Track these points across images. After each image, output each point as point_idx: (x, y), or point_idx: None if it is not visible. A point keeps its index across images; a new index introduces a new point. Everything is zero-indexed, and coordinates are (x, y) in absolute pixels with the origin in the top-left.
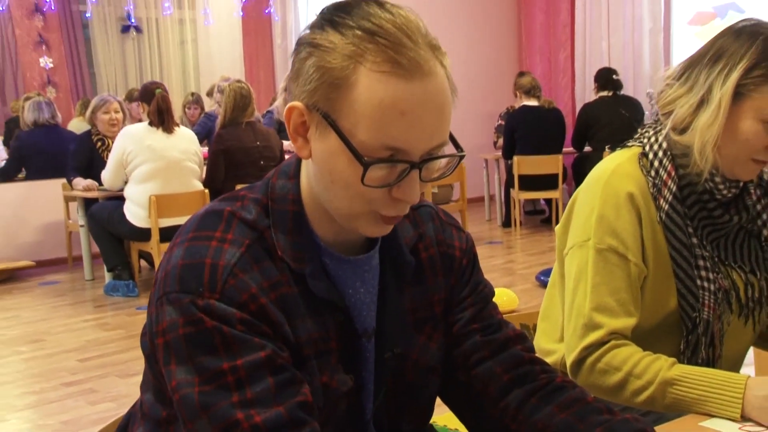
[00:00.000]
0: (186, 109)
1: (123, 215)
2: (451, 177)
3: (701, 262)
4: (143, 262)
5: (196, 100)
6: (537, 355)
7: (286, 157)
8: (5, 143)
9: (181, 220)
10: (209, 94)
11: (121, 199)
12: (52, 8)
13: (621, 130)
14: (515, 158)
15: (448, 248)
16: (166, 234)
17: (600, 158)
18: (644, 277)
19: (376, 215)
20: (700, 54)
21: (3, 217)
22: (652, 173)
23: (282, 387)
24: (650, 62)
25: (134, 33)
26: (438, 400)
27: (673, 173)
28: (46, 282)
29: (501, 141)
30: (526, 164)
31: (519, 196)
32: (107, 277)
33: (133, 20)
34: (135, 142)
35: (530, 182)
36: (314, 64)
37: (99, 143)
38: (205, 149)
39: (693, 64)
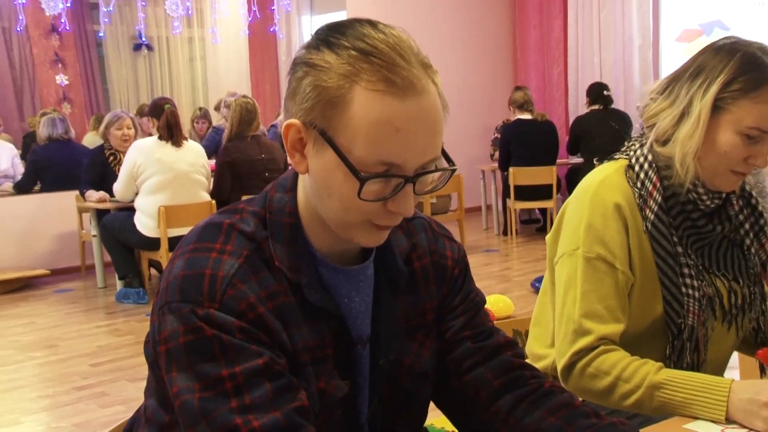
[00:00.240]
0: (194, 123)
1: (133, 225)
2: (450, 187)
3: (686, 270)
4: (153, 271)
5: (204, 115)
6: (529, 359)
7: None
8: (23, 157)
9: (188, 230)
10: (217, 108)
11: (131, 210)
12: (67, 28)
13: (611, 142)
14: (511, 169)
15: (440, 258)
16: (175, 243)
17: (591, 169)
18: (631, 284)
19: (371, 225)
20: (682, 69)
21: (19, 227)
22: (638, 184)
23: (279, 393)
24: (640, 77)
25: (145, 51)
26: (434, 404)
27: (658, 184)
28: (60, 290)
29: (497, 153)
30: (522, 175)
31: (515, 205)
32: (118, 284)
33: (144, 39)
34: (145, 155)
35: (526, 192)
36: (311, 83)
37: (111, 157)
38: (213, 162)
39: (675, 79)
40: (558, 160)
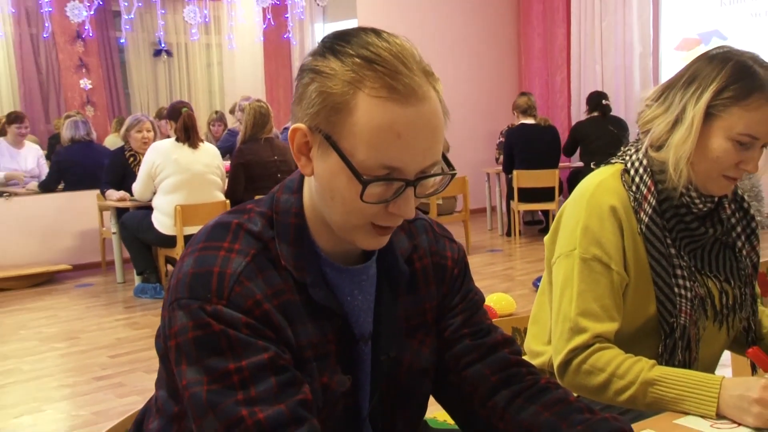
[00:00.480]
0: (211, 126)
1: (151, 224)
2: (455, 190)
3: (679, 271)
4: (170, 267)
5: (219, 118)
6: (527, 356)
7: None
8: (48, 157)
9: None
10: (232, 112)
11: (149, 209)
12: (91, 35)
13: (609, 145)
14: (515, 172)
15: (441, 259)
16: None
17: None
18: (626, 284)
19: (373, 227)
20: (676, 77)
21: (44, 224)
22: (633, 188)
23: (284, 386)
24: (640, 84)
25: (165, 57)
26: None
27: (652, 188)
28: (82, 284)
29: (502, 157)
30: (525, 178)
31: (518, 207)
32: (137, 280)
33: (164, 45)
34: (163, 156)
35: (529, 195)
36: (316, 89)
37: (131, 159)
38: (227, 163)
39: (670, 87)
40: (560, 164)
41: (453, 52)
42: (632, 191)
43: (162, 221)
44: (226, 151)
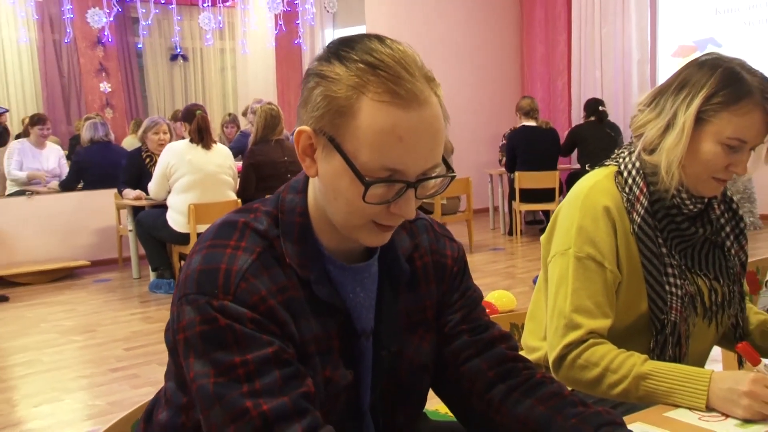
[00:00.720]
0: (224, 128)
1: (166, 222)
2: (459, 190)
3: (670, 270)
4: (183, 263)
5: (233, 120)
6: (524, 351)
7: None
8: (68, 158)
9: None
10: (244, 114)
11: (164, 208)
12: (110, 40)
13: (606, 149)
14: (516, 173)
15: (441, 257)
16: None
17: None
18: (619, 282)
19: (374, 225)
20: (668, 83)
21: (64, 222)
22: (626, 189)
23: (287, 379)
24: (638, 89)
25: (181, 61)
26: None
27: (644, 190)
28: (100, 279)
29: (505, 158)
30: (527, 179)
31: (520, 207)
32: (152, 276)
33: (180, 50)
34: (177, 157)
35: (530, 195)
36: (321, 93)
37: (147, 159)
38: (239, 163)
39: (661, 92)
40: (560, 166)
41: (458, 57)
42: (625, 192)
43: (176, 219)
44: (238, 151)
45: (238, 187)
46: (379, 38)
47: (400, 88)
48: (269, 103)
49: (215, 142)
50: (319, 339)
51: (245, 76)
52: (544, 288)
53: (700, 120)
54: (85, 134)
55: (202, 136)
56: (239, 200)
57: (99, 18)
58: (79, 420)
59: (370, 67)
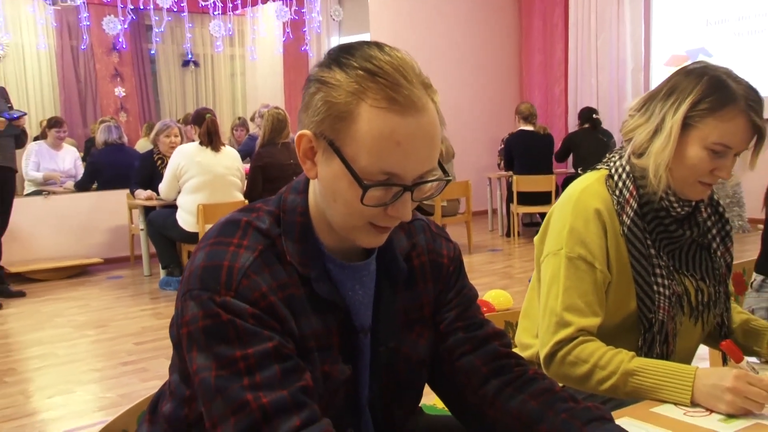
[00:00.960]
0: (234, 131)
1: (176, 221)
2: (459, 193)
3: (658, 270)
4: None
5: (242, 124)
6: (517, 348)
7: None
8: (84, 159)
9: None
10: (252, 118)
11: (174, 208)
12: (125, 47)
13: (599, 154)
14: (514, 177)
15: (437, 257)
16: None
17: None
18: (608, 282)
19: (372, 227)
20: (657, 89)
21: (78, 221)
22: (617, 192)
23: (287, 373)
24: (632, 96)
25: (193, 67)
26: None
27: (634, 193)
28: (112, 276)
29: (503, 162)
30: (524, 182)
31: (518, 210)
32: (162, 273)
33: (191, 56)
34: (187, 159)
35: (527, 198)
36: (322, 99)
37: (159, 161)
38: (247, 166)
39: (651, 98)
40: (557, 170)
41: (459, 64)
42: (615, 195)
43: (186, 219)
44: (246, 154)
45: (245, 188)
46: (379, 46)
47: (398, 95)
48: (276, 108)
49: (224, 144)
50: (319, 335)
51: (254, 82)
52: (537, 287)
53: (686, 125)
54: (100, 137)
55: (211, 139)
56: (246, 201)
57: (114, 25)
58: (91, 411)
59: (369, 74)
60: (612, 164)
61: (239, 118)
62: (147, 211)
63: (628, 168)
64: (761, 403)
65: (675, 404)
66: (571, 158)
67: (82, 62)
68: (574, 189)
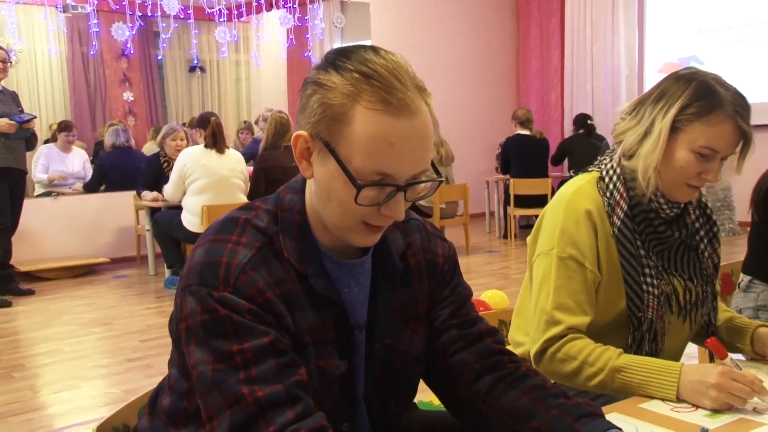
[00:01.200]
0: (239, 134)
1: (180, 222)
2: (457, 195)
3: (647, 270)
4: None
5: (248, 127)
6: (510, 346)
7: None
8: (93, 162)
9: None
10: (256, 122)
11: (179, 209)
12: (133, 52)
13: (593, 158)
14: (511, 180)
15: (432, 255)
16: None
17: None
18: (598, 282)
19: (365, 226)
20: (648, 93)
21: (86, 221)
22: (608, 194)
23: (282, 368)
24: (626, 101)
25: (199, 72)
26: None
27: (624, 195)
28: (118, 276)
29: (500, 162)
30: (521, 186)
31: (515, 212)
32: (167, 273)
33: (197, 62)
34: (192, 161)
35: (524, 201)
36: (318, 100)
37: (165, 164)
38: (251, 168)
39: (641, 102)
40: (552, 174)
41: (458, 71)
42: (606, 197)
43: (190, 220)
44: (249, 157)
45: (248, 190)
46: (374, 49)
47: (392, 97)
48: (279, 112)
49: (228, 147)
50: (315, 330)
51: (258, 87)
52: (530, 286)
53: (675, 129)
54: (108, 140)
55: (216, 141)
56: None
57: (123, 32)
58: (96, 406)
59: (364, 77)
60: (603, 166)
61: (244, 122)
62: (153, 212)
63: (618, 170)
64: (744, 398)
65: (663, 400)
66: (566, 162)
67: (91, 68)
68: (566, 190)
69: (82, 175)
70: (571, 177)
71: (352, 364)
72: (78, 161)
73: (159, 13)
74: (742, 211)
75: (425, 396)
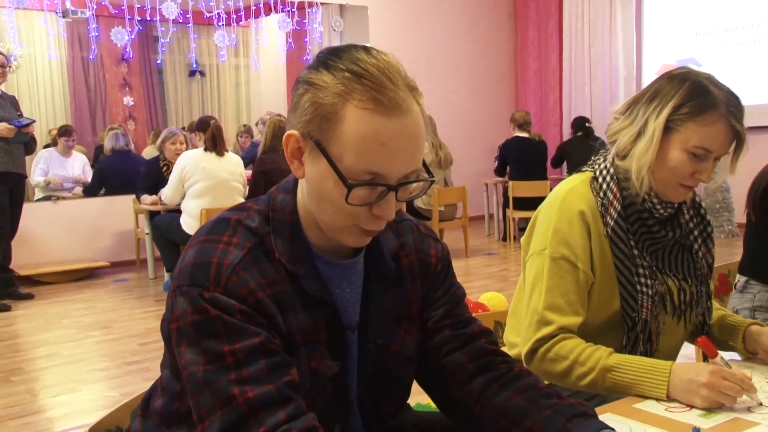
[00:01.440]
0: (239, 138)
1: (179, 225)
2: (456, 198)
3: (641, 271)
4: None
5: (247, 131)
6: (505, 347)
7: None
8: (93, 166)
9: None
10: (256, 124)
11: (178, 213)
12: (132, 57)
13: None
14: (510, 183)
15: (425, 256)
16: None
17: None
18: (591, 282)
19: (358, 228)
20: (642, 93)
21: (86, 225)
22: (601, 194)
23: (273, 368)
24: None
25: (198, 76)
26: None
27: (618, 195)
28: (118, 279)
29: (497, 164)
30: (520, 188)
31: (513, 214)
32: (166, 276)
33: (197, 66)
34: (192, 164)
35: (523, 203)
36: (309, 100)
37: (165, 168)
38: (250, 172)
39: (635, 102)
40: (551, 176)
41: (457, 73)
42: (600, 197)
43: (189, 223)
44: (249, 160)
45: (247, 193)
46: (366, 49)
47: (384, 97)
48: (278, 115)
49: (227, 150)
50: (307, 331)
51: (258, 90)
52: (524, 286)
53: (668, 128)
54: (108, 144)
55: (215, 144)
56: None
57: (122, 36)
58: (95, 409)
59: (355, 76)
60: (597, 166)
61: (245, 126)
62: (152, 215)
63: (612, 170)
64: (734, 397)
65: (657, 400)
66: (565, 165)
67: (91, 72)
68: (560, 191)
69: (82, 178)
70: None
71: (344, 365)
72: (78, 165)
73: (158, 18)
74: (741, 213)
75: (423, 398)
